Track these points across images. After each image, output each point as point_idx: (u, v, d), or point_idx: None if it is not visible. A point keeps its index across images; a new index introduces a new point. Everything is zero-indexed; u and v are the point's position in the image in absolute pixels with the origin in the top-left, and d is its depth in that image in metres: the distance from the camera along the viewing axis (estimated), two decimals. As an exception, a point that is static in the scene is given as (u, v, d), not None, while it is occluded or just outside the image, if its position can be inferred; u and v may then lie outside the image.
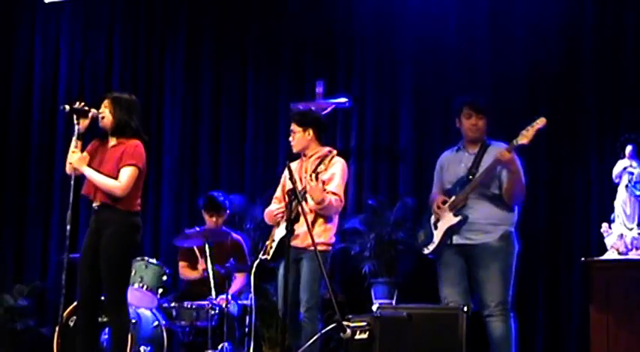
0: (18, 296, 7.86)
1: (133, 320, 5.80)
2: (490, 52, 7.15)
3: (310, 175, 5.18)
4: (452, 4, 7.35)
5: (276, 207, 5.42)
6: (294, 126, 5.45)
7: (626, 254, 5.84)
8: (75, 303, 5.56)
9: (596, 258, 5.97)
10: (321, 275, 4.87)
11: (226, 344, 5.89)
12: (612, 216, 5.97)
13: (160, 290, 6.31)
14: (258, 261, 5.34)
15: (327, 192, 5.23)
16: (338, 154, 5.49)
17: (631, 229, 5.85)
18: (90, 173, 4.93)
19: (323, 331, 4.96)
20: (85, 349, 4.93)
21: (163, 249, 7.71)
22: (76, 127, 5.00)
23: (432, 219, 5.25)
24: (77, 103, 5.08)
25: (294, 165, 5.37)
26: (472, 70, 7.17)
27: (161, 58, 8.30)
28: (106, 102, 5.04)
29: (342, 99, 7.40)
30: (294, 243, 5.05)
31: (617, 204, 5.93)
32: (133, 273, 6.09)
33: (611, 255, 5.88)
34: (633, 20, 6.71)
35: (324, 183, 5.25)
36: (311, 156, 5.41)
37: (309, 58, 7.82)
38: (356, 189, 7.46)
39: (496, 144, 5.15)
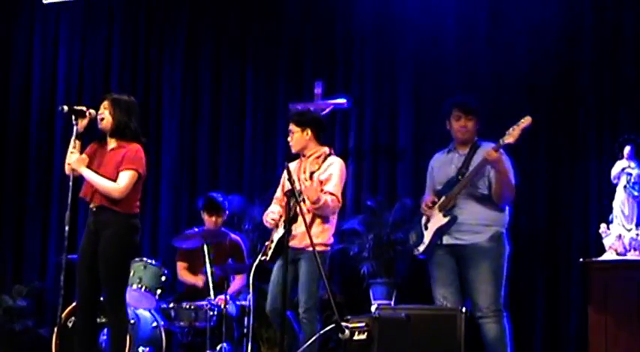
0: (17, 297, 7.86)
1: (132, 321, 5.80)
2: (489, 52, 7.15)
3: (305, 175, 5.18)
4: (451, 4, 7.35)
5: (276, 209, 5.40)
6: (292, 126, 5.44)
7: (625, 254, 5.84)
8: (74, 304, 5.56)
9: (594, 259, 5.98)
10: (320, 275, 4.88)
11: (225, 344, 5.89)
12: (611, 217, 5.97)
13: (159, 291, 6.31)
14: (257, 261, 5.32)
15: (325, 193, 5.22)
16: (337, 155, 5.49)
17: (629, 230, 5.86)
18: (89, 174, 4.93)
19: (322, 332, 4.96)
20: (83, 350, 4.93)
21: (162, 250, 7.70)
22: (75, 128, 5.00)
23: (423, 219, 5.27)
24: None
25: (293, 165, 5.37)
26: (471, 70, 7.17)
27: (160, 58, 8.30)
28: (105, 103, 5.04)
29: (341, 100, 7.40)
30: (292, 243, 5.05)
31: (616, 204, 5.93)
32: (131, 274, 6.09)
33: (609, 255, 5.89)
34: (632, 20, 6.71)
35: (321, 183, 5.24)
36: (310, 156, 5.40)
37: (308, 59, 7.82)
38: (355, 190, 7.46)
39: (486, 145, 5.16)
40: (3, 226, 8.50)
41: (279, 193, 5.54)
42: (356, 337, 4.59)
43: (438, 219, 5.16)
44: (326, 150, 5.39)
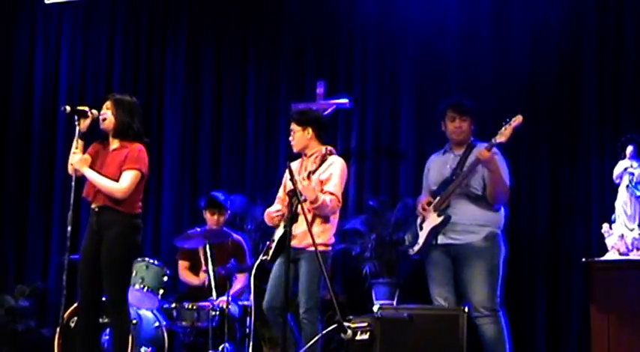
0: (19, 297, 7.86)
1: (134, 321, 5.80)
2: (491, 52, 7.15)
3: (303, 175, 5.16)
4: (453, 5, 7.35)
5: (275, 208, 5.40)
6: (293, 126, 5.42)
7: (627, 254, 5.84)
8: (76, 304, 5.56)
9: (596, 259, 5.97)
10: (320, 275, 4.87)
11: (227, 344, 5.89)
12: (613, 217, 5.97)
13: (161, 291, 6.32)
14: (258, 261, 5.31)
15: (325, 192, 5.20)
16: (339, 155, 5.48)
17: (632, 230, 5.85)
18: (91, 175, 4.94)
19: (324, 332, 4.95)
20: (85, 350, 4.94)
21: (164, 250, 7.70)
22: (77, 128, 5.00)
23: (418, 220, 5.28)
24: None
25: (295, 164, 5.37)
26: (473, 70, 7.16)
27: (162, 58, 8.30)
28: (107, 103, 5.04)
29: (343, 100, 7.40)
30: (292, 243, 5.04)
31: (618, 204, 5.93)
32: (133, 274, 6.09)
33: (611, 255, 5.88)
34: (634, 21, 6.71)
35: (322, 182, 5.23)
36: (311, 155, 5.39)
37: (310, 59, 7.82)
38: (357, 190, 7.46)
39: (481, 145, 5.16)
40: (5, 226, 8.50)
41: (281, 193, 5.53)
42: (358, 337, 4.59)
43: (433, 219, 5.17)
44: (323, 149, 5.36)
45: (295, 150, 5.46)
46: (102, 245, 4.90)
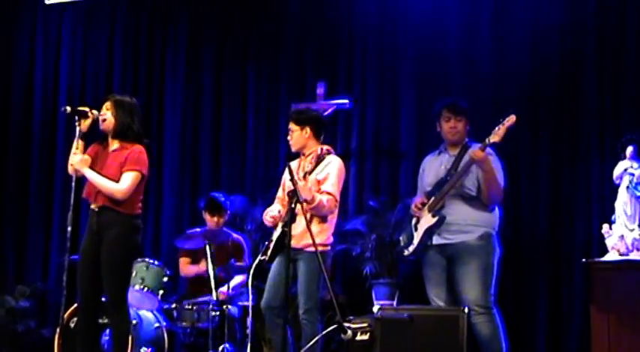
0: (19, 298, 7.87)
1: (134, 322, 5.80)
2: (492, 52, 7.15)
3: (299, 175, 5.15)
4: (453, 5, 7.35)
5: (277, 207, 5.38)
6: (291, 125, 5.39)
7: (627, 255, 5.83)
8: (76, 305, 5.56)
9: (597, 259, 5.97)
10: (319, 276, 4.86)
11: (227, 345, 5.89)
12: (613, 217, 5.97)
13: (161, 292, 6.32)
14: (257, 261, 5.30)
15: (322, 192, 5.17)
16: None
17: (632, 230, 5.85)
18: (91, 175, 4.94)
19: (324, 332, 4.95)
20: (85, 350, 4.93)
21: (164, 251, 7.71)
22: (78, 128, 5.00)
23: (413, 221, 5.27)
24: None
25: (293, 164, 5.35)
26: (474, 70, 7.17)
27: (162, 59, 8.31)
28: (107, 104, 5.04)
29: (343, 100, 7.40)
30: (291, 243, 5.04)
31: (618, 205, 5.93)
32: (134, 275, 6.10)
33: (612, 256, 5.88)
34: (635, 20, 6.71)
35: (319, 182, 5.21)
36: (309, 155, 5.37)
37: (310, 59, 7.83)
38: (357, 190, 7.46)
39: (476, 146, 5.16)
40: (5, 227, 8.50)
41: (280, 193, 5.52)
42: (358, 337, 4.59)
43: (427, 220, 5.17)
44: (318, 149, 5.34)
45: (293, 149, 5.44)
46: (102, 245, 4.90)
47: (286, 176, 5.35)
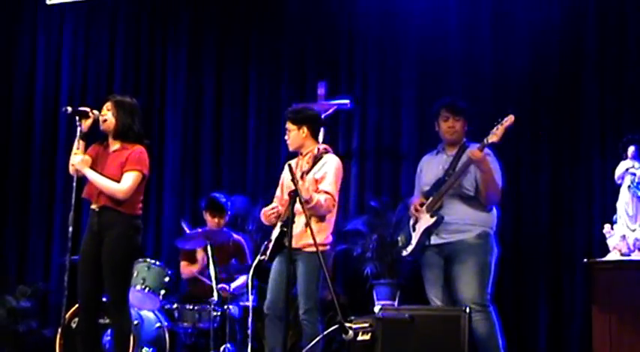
0: (20, 298, 7.87)
1: (136, 322, 5.80)
2: (493, 52, 7.15)
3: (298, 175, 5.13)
4: (454, 5, 7.35)
5: (271, 207, 5.37)
6: (288, 124, 5.36)
7: (629, 255, 5.83)
8: (77, 305, 5.56)
9: (598, 259, 5.97)
10: (318, 275, 4.85)
11: (228, 345, 5.89)
12: (614, 217, 5.96)
13: (163, 292, 6.32)
14: (256, 261, 5.29)
15: (320, 191, 5.15)
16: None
17: (633, 230, 5.85)
18: (92, 175, 4.94)
19: (325, 332, 4.94)
20: (86, 350, 4.93)
21: (165, 251, 7.71)
22: (79, 129, 5.00)
23: (411, 221, 5.27)
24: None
25: (292, 163, 5.34)
26: (475, 71, 7.17)
27: (163, 59, 8.31)
28: (108, 104, 5.04)
29: (344, 101, 7.40)
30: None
31: (620, 205, 5.93)
32: (135, 275, 6.11)
33: (613, 256, 5.88)
34: (635, 20, 6.71)
35: (316, 181, 5.19)
36: (306, 154, 5.35)
37: (311, 59, 7.83)
38: (358, 191, 7.46)
39: (474, 146, 5.15)
40: (7, 227, 8.51)
41: (278, 192, 5.50)
42: (359, 338, 4.59)
43: (426, 220, 5.15)
44: (315, 148, 5.31)
45: (291, 149, 5.41)
46: (103, 246, 4.90)
47: (285, 176, 5.35)
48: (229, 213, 6.61)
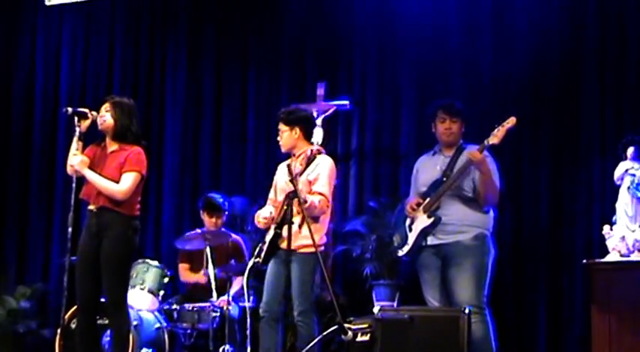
0: (20, 299, 7.88)
1: (135, 323, 5.80)
2: (492, 53, 7.15)
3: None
4: (453, 6, 7.35)
5: (268, 209, 5.33)
6: (281, 125, 5.35)
7: (628, 256, 5.83)
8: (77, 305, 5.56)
9: (597, 260, 5.97)
10: (313, 276, 4.84)
11: (227, 346, 5.89)
12: (614, 218, 5.96)
13: (162, 293, 6.32)
14: (250, 263, 5.28)
15: (313, 193, 5.13)
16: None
17: (633, 231, 5.84)
18: (92, 176, 4.93)
19: (324, 333, 4.94)
20: (84, 351, 4.93)
21: (164, 251, 7.71)
22: (77, 129, 4.99)
23: (407, 221, 5.26)
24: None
25: (285, 164, 5.34)
26: (474, 71, 7.17)
27: (163, 60, 8.32)
28: (106, 105, 5.03)
29: (344, 102, 7.40)
30: (284, 245, 5.03)
31: (619, 205, 5.92)
32: (134, 276, 6.11)
33: (612, 256, 5.88)
34: (635, 21, 6.71)
35: (310, 182, 5.17)
36: (299, 155, 5.32)
37: (311, 60, 7.83)
38: (357, 191, 7.46)
39: (471, 147, 5.15)
40: (6, 227, 8.51)
41: (272, 194, 5.48)
42: (359, 338, 4.58)
43: (422, 221, 5.14)
44: (308, 150, 5.29)
45: (283, 150, 5.40)
46: (101, 246, 4.89)
47: (278, 177, 5.35)
48: (227, 212, 6.60)
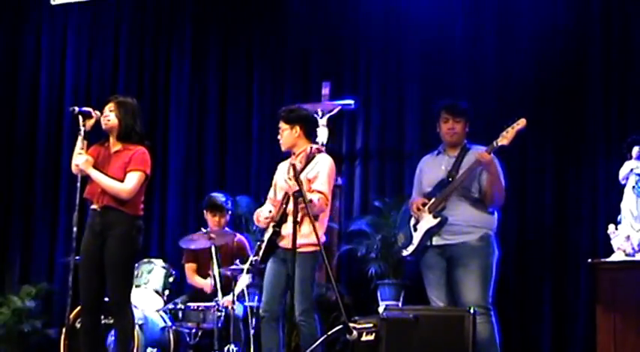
0: (25, 298, 7.88)
1: (140, 322, 5.80)
2: (496, 53, 7.15)
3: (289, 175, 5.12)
4: (458, 6, 7.35)
5: (268, 208, 5.34)
6: (281, 124, 5.35)
7: (633, 255, 5.82)
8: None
9: (602, 260, 5.96)
10: (313, 275, 4.83)
11: (232, 345, 5.89)
12: (619, 218, 5.95)
13: (167, 292, 6.32)
14: (249, 263, 5.27)
15: (313, 191, 5.12)
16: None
17: (638, 230, 5.83)
18: (96, 175, 4.94)
19: (329, 333, 4.94)
20: (89, 350, 4.93)
21: (169, 251, 7.71)
22: (82, 128, 5.00)
23: (412, 221, 5.25)
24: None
25: (284, 164, 5.33)
26: (478, 71, 7.17)
27: (167, 60, 8.33)
28: (111, 105, 5.04)
29: (349, 101, 7.40)
30: (283, 243, 5.02)
31: (624, 205, 5.91)
32: (139, 275, 6.11)
33: (617, 256, 5.87)
34: (640, 21, 6.72)
35: (309, 181, 5.16)
36: (299, 154, 5.32)
37: (316, 60, 7.83)
38: (362, 191, 7.45)
39: (476, 148, 5.15)
40: (11, 227, 8.53)
41: (271, 193, 5.48)
42: (364, 338, 4.58)
43: (428, 221, 5.13)
44: (308, 148, 5.29)
45: (283, 148, 5.40)
46: (105, 246, 4.90)
47: (278, 176, 5.35)
48: (230, 212, 6.60)
